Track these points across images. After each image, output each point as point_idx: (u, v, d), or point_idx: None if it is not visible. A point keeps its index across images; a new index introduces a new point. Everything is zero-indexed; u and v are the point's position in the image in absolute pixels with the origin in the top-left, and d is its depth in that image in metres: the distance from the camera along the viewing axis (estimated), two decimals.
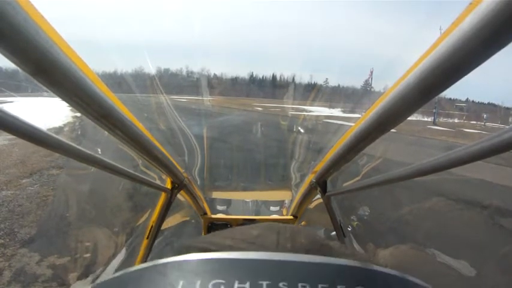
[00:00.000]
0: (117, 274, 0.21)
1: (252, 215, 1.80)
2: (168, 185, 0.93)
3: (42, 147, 0.29)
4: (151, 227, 1.01)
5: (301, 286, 0.18)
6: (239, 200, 1.94)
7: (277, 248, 0.23)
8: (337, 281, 0.19)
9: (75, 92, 0.24)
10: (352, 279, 0.19)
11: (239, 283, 0.17)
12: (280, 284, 0.17)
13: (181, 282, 0.18)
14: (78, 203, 3.23)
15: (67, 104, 0.26)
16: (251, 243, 0.24)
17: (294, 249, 0.23)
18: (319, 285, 0.18)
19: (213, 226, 1.40)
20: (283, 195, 1.90)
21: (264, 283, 0.17)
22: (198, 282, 0.18)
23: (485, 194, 4.31)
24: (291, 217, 1.34)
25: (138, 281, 0.20)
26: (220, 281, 0.18)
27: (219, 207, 1.76)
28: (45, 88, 0.22)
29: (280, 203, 1.84)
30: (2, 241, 2.88)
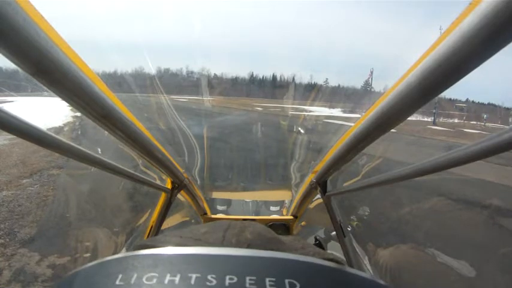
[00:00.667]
0: (71, 272, 0.23)
1: (252, 215, 1.80)
2: (168, 185, 0.93)
3: (42, 147, 0.29)
4: (151, 227, 1.01)
5: (229, 278, 0.18)
6: (239, 200, 1.94)
7: (222, 244, 0.24)
8: (266, 273, 0.19)
9: (75, 92, 0.24)
10: (283, 272, 0.19)
11: (170, 276, 0.18)
12: (209, 277, 0.18)
13: (120, 276, 0.19)
14: (78, 203, 3.23)
15: (67, 104, 0.26)
16: (197, 239, 0.25)
17: (238, 244, 0.24)
18: (247, 278, 0.18)
19: None
20: (283, 195, 1.90)
21: (194, 275, 0.18)
22: (134, 276, 0.19)
23: (485, 194, 4.31)
24: (291, 217, 1.34)
25: (85, 279, 0.21)
26: (154, 274, 0.19)
27: (219, 207, 1.76)
28: (45, 88, 0.22)
29: (280, 203, 1.84)
30: (2, 241, 2.88)
